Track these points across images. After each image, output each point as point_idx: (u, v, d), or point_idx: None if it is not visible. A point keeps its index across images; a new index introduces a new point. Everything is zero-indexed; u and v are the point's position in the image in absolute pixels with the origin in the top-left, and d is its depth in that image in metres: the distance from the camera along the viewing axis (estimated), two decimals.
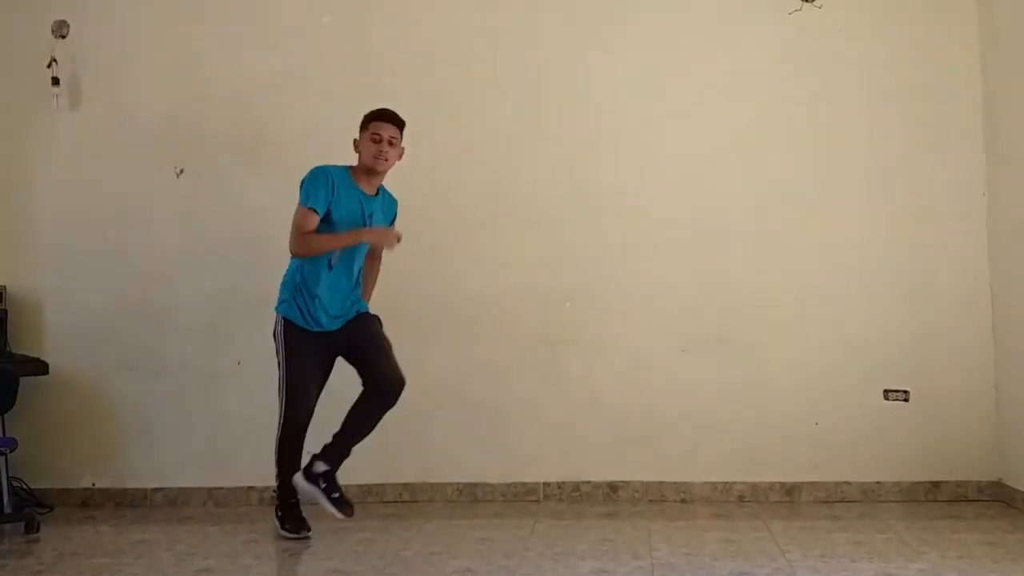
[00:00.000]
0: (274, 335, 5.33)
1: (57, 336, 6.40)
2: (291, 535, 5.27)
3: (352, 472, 6.01)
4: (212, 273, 6.31)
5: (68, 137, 6.44)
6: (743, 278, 6.07)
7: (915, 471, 5.95)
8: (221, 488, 6.26)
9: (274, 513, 5.42)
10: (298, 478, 5.22)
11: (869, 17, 6.07)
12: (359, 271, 5.39)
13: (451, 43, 6.27)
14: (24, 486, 6.18)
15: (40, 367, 6.23)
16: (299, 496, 5.29)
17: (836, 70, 6.07)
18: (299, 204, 5.20)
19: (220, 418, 6.26)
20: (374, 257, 5.52)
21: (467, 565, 4.76)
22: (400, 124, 5.31)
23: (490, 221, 6.21)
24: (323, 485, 5.18)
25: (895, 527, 5.32)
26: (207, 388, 6.28)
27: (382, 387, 5.20)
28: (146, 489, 6.32)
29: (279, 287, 5.35)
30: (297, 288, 5.25)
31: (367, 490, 6.11)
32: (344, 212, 5.21)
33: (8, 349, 6.20)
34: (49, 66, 6.36)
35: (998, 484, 5.86)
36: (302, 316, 5.25)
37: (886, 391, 5.99)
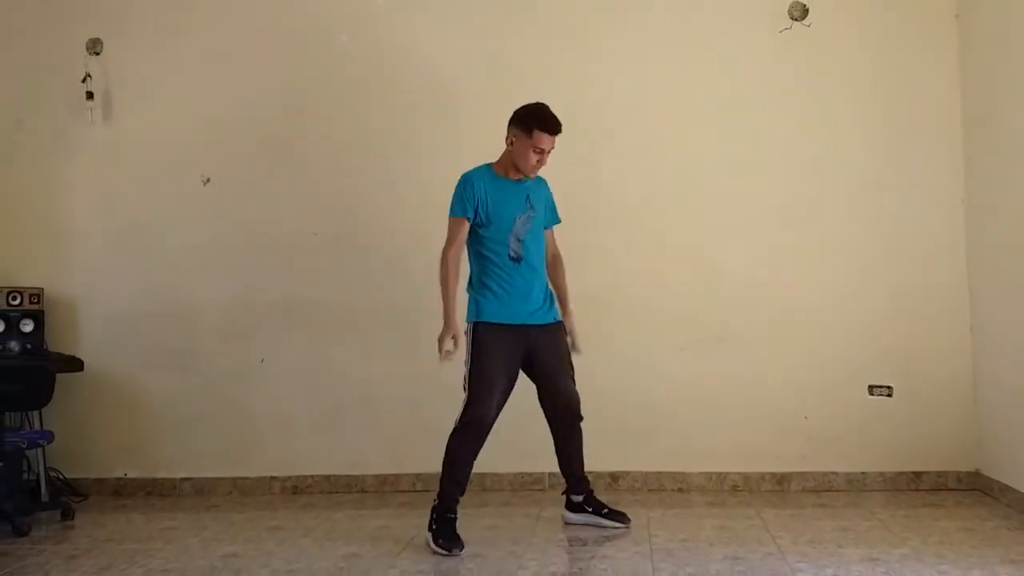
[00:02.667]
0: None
1: (91, 335, 6.43)
2: (443, 551, 4.75)
3: (369, 463, 6.10)
4: (236, 276, 6.33)
5: (102, 148, 6.47)
6: (737, 281, 6.08)
7: (898, 462, 5.95)
8: (245, 478, 6.27)
9: (427, 527, 4.94)
10: (567, 515, 5.25)
11: (855, 36, 6.07)
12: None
13: (459, 59, 6.27)
14: (60, 476, 6.22)
15: (75, 364, 6.27)
16: (572, 522, 5.22)
17: (824, 85, 6.08)
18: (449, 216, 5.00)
19: (244, 412, 6.28)
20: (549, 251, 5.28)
21: (477, 550, 4.78)
22: (560, 131, 4.99)
23: None
24: (590, 510, 5.21)
25: (879, 515, 5.33)
26: (232, 384, 6.30)
27: (559, 406, 5.18)
28: (175, 479, 6.34)
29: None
30: (483, 286, 5.01)
31: (383, 480, 6.13)
32: (503, 207, 5.00)
33: (45, 347, 6.24)
34: (84, 81, 6.40)
35: (976, 474, 5.87)
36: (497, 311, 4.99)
37: (871, 387, 6.01)
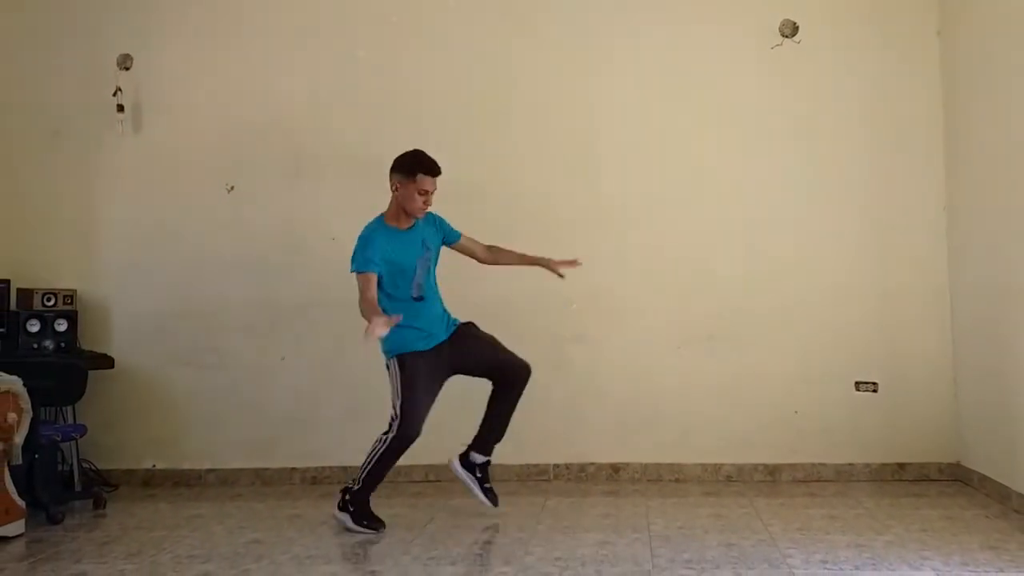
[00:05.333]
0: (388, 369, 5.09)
1: (122, 334, 6.44)
2: (371, 530, 4.97)
3: None
4: (259, 278, 6.34)
5: (132, 158, 6.48)
6: (731, 283, 6.09)
7: (883, 454, 5.96)
8: (267, 469, 6.28)
9: (342, 507, 5.07)
10: (455, 464, 5.19)
11: (843, 52, 6.08)
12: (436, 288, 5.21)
13: (473, 75, 6.28)
14: (93, 467, 6.23)
15: (107, 362, 6.28)
16: (455, 472, 5.22)
17: (813, 98, 6.09)
18: (355, 271, 4.96)
19: (266, 407, 6.29)
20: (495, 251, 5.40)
21: (486, 538, 4.81)
22: (440, 173, 5.07)
23: (506, 231, 6.14)
24: (479, 475, 5.18)
25: (865, 503, 5.34)
26: (255, 381, 6.31)
27: (507, 375, 5.16)
28: (200, 470, 6.35)
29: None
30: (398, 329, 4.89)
31: (396, 471, 6.05)
32: (404, 257, 5.03)
33: (78, 346, 6.25)
34: (115, 95, 6.40)
35: (957, 465, 5.87)
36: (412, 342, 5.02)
37: (857, 383, 6.01)
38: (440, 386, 5.11)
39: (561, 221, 6.17)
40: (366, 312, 4.79)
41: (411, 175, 5.01)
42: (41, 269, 6.43)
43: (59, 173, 6.53)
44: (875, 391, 5.99)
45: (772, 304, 6.06)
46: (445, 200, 6.10)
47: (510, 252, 5.40)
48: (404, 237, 5.08)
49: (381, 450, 4.95)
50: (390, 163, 6.24)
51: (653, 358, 6.12)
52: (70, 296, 6.28)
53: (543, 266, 5.32)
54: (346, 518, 5.02)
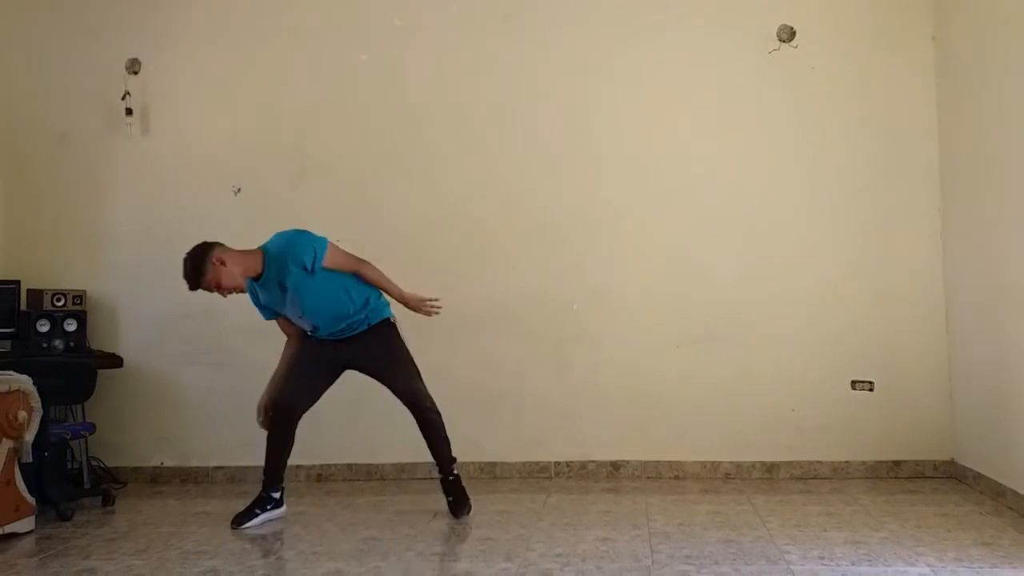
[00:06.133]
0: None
1: (130, 334, 6.46)
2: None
3: (387, 452, 6.11)
4: None
5: (140, 160, 6.50)
6: (729, 284, 6.10)
7: (879, 452, 5.97)
8: None
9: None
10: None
11: (839, 56, 6.09)
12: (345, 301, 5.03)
13: (473, 80, 6.29)
14: (102, 465, 6.25)
15: (115, 361, 6.31)
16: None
17: (810, 102, 6.09)
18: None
19: None
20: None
21: (488, 534, 4.80)
22: (196, 285, 4.84)
23: (506, 234, 6.23)
24: (442, 490, 5.20)
25: (861, 500, 5.35)
26: (260, 379, 6.17)
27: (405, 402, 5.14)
28: (208, 467, 6.37)
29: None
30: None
31: (401, 468, 6.15)
32: (270, 299, 5.02)
33: (87, 345, 6.27)
34: (123, 98, 6.43)
35: (951, 463, 5.88)
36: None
37: (853, 382, 6.02)
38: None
39: (561, 223, 6.20)
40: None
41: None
42: (51, 270, 6.45)
43: (68, 175, 6.55)
44: (871, 390, 6.00)
45: (770, 305, 6.07)
46: (446, 200, 6.17)
47: (378, 281, 5.14)
48: (257, 288, 5.01)
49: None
50: (392, 164, 6.29)
51: (652, 358, 6.12)
52: (79, 296, 6.30)
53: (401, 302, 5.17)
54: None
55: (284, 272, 4.90)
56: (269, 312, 5.12)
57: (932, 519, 4.89)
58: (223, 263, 4.83)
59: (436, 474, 5.24)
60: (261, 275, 4.94)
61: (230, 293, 4.90)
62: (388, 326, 5.16)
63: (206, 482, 6.33)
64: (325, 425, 6.25)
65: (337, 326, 5.07)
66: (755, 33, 6.10)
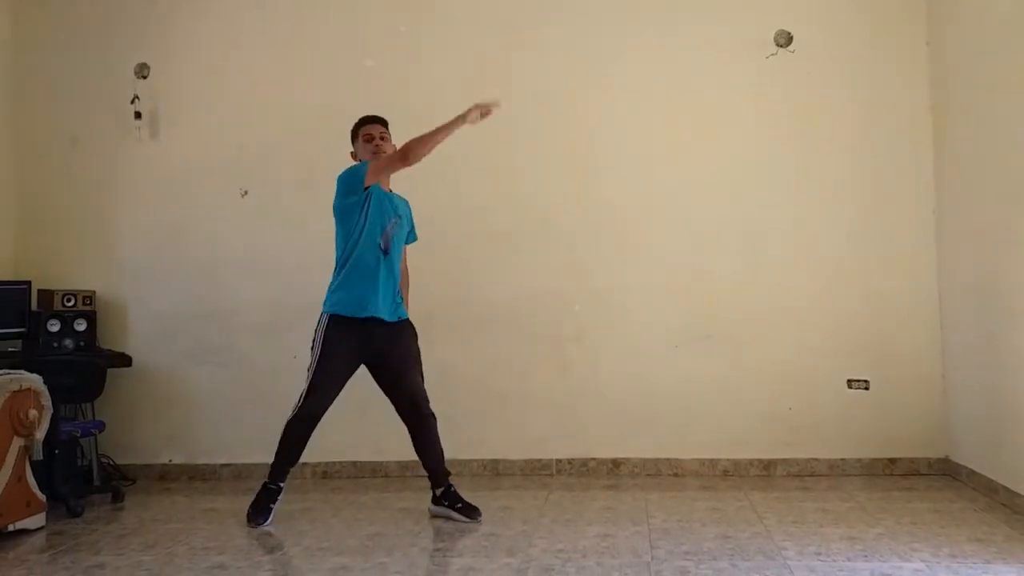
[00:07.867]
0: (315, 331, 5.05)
1: (139, 333, 6.46)
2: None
3: (392, 451, 6.08)
4: (270, 280, 6.35)
5: (149, 164, 6.50)
6: (727, 284, 6.09)
7: (874, 449, 5.96)
8: None
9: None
10: (430, 508, 5.12)
11: (836, 60, 6.09)
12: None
13: (477, 85, 6.26)
14: (111, 462, 6.25)
15: (124, 360, 6.30)
16: (434, 514, 5.09)
17: (806, 105, 6.09)
18: (364, 171, 4.93)
19: (278, 404, 6.15)
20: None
21: (490, 530, 4.80)
22: (384, 121, 5.18)
23: (510, 236, 6.22)
24: (445, 503, 5.06)
25: (857, 497, 5.35)
26: (267, 378, 6.30)
27: (407, 409, 5.08)
28: (215, 464, 6.36)
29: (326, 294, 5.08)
30: (347, 279, 4.96)
31: (404, 466, 6.12)
32: (377, 206, 4.97)
33: (97, 344, 6.28)
34: (132, 102, 6.43)
35: (945, 460, 5.88)
36: (353, 305, 4.93)
37: (849, 380, 6.01)
38: (352, 372, 5.05)
39: (561, 226, 6.20)
40: (429, 139, 4.86)
41: (354, 135, 5.18)
42: (61, 271, 6.45)
43: (78, 178, 6.55)
44: (867, 389, 5.99)
45: (767, 305, 6.06)
46: (451, 203, 6.16)
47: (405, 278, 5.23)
48: (384, 194, 5.05)
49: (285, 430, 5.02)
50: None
51: (652, 357, 6.12)
52: (89, 297, 6.30)
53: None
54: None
55: (406, 213, 5.18)
56: (368, 200, 4.97)
57: (927, 515, 4.89)
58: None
59: (435, 490, 5.13)
60: (390, 191, 5.13)
61: (377, 150, 5.08)
62: (413, 325, 5.15)
63: (214, 479, 6.32)
64: (331, 423, 6.20)
65: (395, 284, 5.02)
66: (753, 38, 6.09)
